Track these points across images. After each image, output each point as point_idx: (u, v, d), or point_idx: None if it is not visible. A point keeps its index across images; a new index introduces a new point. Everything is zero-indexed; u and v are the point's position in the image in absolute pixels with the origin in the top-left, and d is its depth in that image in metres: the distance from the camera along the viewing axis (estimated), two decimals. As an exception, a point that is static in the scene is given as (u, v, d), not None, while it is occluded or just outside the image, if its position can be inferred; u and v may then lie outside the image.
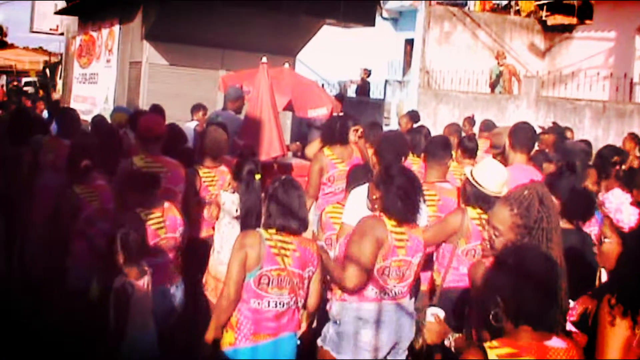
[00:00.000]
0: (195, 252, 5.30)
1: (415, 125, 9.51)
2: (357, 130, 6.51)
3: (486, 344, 2.48)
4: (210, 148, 5.85)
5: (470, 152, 6.35)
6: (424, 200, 4.30)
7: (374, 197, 4.05)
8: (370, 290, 3.95)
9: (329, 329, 4.11)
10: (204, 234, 5.60)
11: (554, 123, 10.26)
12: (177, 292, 4.73)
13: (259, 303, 3.79)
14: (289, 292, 3.83)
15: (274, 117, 7.87)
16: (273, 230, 3.83)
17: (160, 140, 5.54)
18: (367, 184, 4.43)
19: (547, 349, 2.49)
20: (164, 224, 4.62)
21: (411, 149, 6.11)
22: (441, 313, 3.25)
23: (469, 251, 4.42)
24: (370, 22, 13.62)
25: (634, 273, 2.70)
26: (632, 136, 9.50)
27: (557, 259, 2.88)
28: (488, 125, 9.46)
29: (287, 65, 10.84)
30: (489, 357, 2.43)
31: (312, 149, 7.16)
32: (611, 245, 3.08)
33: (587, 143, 8.38)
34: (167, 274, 4.66)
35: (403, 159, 5.31)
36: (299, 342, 4.01)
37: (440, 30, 16.21)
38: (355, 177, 4.95)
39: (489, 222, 3.22)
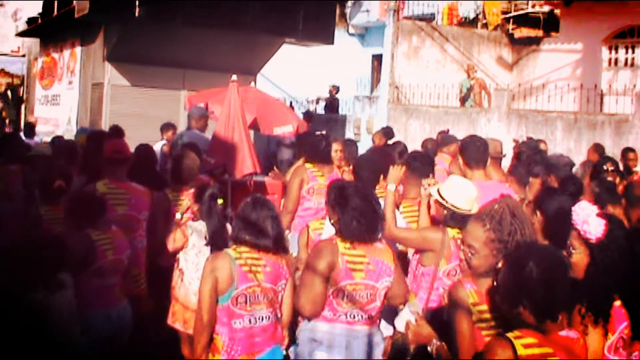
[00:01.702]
0: (162, 278, 5.27)
1: (390, 142, 9.31)
2: (337, 152, 6.68)
3: (510, 335, 2.50)
4: (183, 173, 5.83)
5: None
6: (382, 219, 4.18)
7: (331, 220, 4.02)
8: (327, 312, 3.90)
9: (292, 350, 4.12)
10: (172, 259, 5.39)
11: (529, 138, 10.16)
12: (124, 314, 4.67)
13: (240, 322, 3.81)
14: (267, 307, 3.87)
15: (245, 135, 7.96)
16: (242, 248, 3.84)
17: (127, 164, 5.50)
18: None
19: (562, 339, 2.55)
20: (111, 246, 4.57)
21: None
22: (419, 308, 3.24)
23: (449, 272, 4.31)
24: (329, 40, 13.96)
25: (602, 283, 2.80)
26: (596, 147, 9.49)
27: None
28: (446, 140, 9.16)
29: (252, 84, 10.97)
30: (515, 347, 2.47)
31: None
32: (579, 256, 3.06)
33: (543, 153, 8.27)
34: (111, 297, 4.60)
35: (382, 176, 5.11)
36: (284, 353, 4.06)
37: (408, 45, 16.16)
38: None
39: (463, 241, 3.18)
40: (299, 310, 3.94)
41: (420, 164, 5.23)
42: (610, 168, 6.75)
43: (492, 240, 2.98)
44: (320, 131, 6.98)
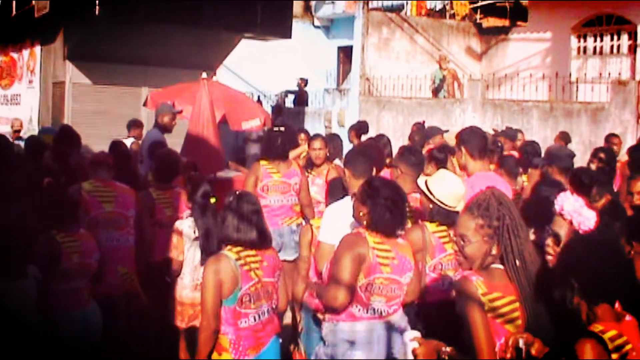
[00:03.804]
0: (151, 276, 5.41)
1: (364, 137, 9.12)
2: (316, 150, 6.90)
3: (595, 329, 2.50)
4: (164, 171, 5.94)
5: (441, 162, 5.96)
6: (409, 210, 4.24)
7: (361, 213, 3.95)
8: (355, 308, 3.89)
9: (320, 349, 4.10)
10: (159, 257, 5.53)
11: (507, 127, 10.07)
12: (91, 316, 4.71)
13: (245, 321, 3.88)
14: (267, 301, 3.96)
15: (214, 133, 8.17)
16: (237, 248, 3.88)
17: (109, 167, 5.61)
18: (343, 200, 4.48)
19: (629, 324, 2.58)
20: (78, 249, 4.61)
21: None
22: (417, 333, 3.21)
23: (435, 266, 4.32)
24: (287, 35, 14.46)
25: (593, 273, 2.69)
26: (562, 135, 9.57)
27: (531, 254, 2.98)
28: (432, 131, 9.05)
29: (214, 78, 11.14)
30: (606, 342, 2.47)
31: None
32: None
33: (536, 144, 8.18)
34: (77, 299, 4.64)
35: (374, 170, 4.94)
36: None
37: (378, 37, 15.97)
38: (332, 192, 4.89)
39: (455, 234, 3.23)
40: (327, 303, 3.91)
41: (416, 159, 5.14)
42: (601, 156, 6.67)
43: (482, 227, 2.97)
44: (279, 126, 7.03)
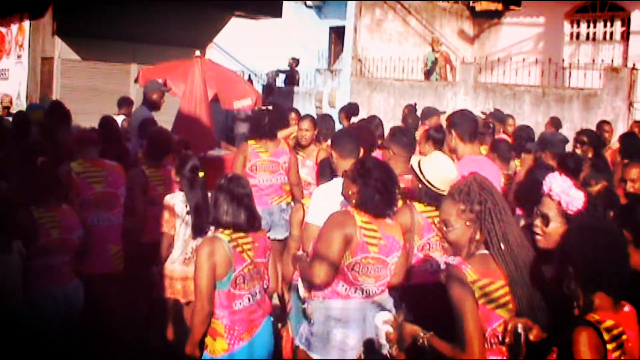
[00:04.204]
0: (145, 252, 5.37)
1: (354, 119, 9.08)
2: (303, 130, 6.84)
3: (591, 319, 2.48)
4: (156, 148, 5.91)
5: (438, 143, 5.93)
6: (399, 192, 4.22)
7: (350, 192, 3.95)
8: (341, 287, 3.88)
9: (304, 328, 4.09)
10: (150, 235, 5.47)
11: (495, 109, 10.05)
12: (73, 293, 4.68)
13: (240, 303, 3.90)
14: (259, 282, 3.99)
15: (206, 112, 8.16)
16: (229, 230, 3.89)
17: (97, 144, 5.57)
18: (332, 182, 4.45)
19: (628, 315, 2.57)
20: (57, 224, 4.55)
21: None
22: (389, 315, 3.25)
23: (423, 246, 4.32)
24: (277, 13, 14.55)
25: (590, 260, 2.62)
26: (552, 120, 9.55)
27: (517, 238, 2.95)
28: (428, 112, 9.05)
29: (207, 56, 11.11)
30: (601, 332, 2.45)
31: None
32: (556, 227, 3.09)
33: (530, 129, 8.17)
34: (59, 276, 4.59)
35: (362, 151, 4.95)
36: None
37: (371, 18, 15.85)
38: (322, 173, 4.90)
39: (439, 220, 3.22)
40: (310, 280, 3.92)
41: (407, 140, 5.10)
42: (583, 139, 6.67)
43: (463, 211, 2.98)
44: (267, 106, 6.97)
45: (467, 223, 2.97)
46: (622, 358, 2.49)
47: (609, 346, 2.45)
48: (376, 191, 3.83)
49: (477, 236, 2.95)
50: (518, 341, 2.75)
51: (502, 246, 2.90)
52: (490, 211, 2.95)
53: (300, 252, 4.35)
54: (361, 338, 3.89)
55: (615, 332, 2.48)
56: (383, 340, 3.23)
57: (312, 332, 3.98)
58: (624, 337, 2.50)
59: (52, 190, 4.61)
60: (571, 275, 2.55)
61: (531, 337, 2.73)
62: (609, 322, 2.48)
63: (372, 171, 3.87)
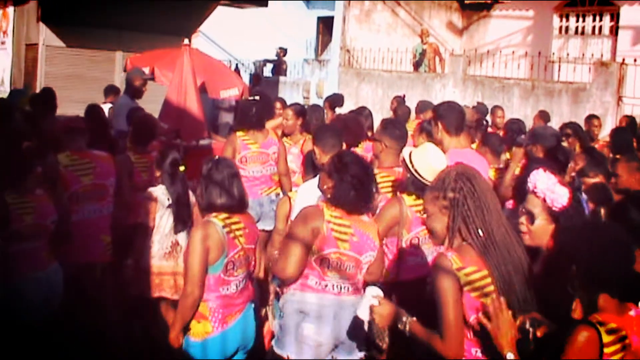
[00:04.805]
0: (130, 238, 5.27)
1: (338, 110, 8.98)
2: (287, 120, 6.81)
3: (594, 319, 2.46)
4: (141, 135, 5.90)
5: (432, 136, 5.85)
6: (377, 190, 4.18)
7: (326, 186, 3.91)
8: (311, 280, 3.82)
9: (276, 324, 4.07)
10: (133, 220, 5.39)
11: (479, 102, 10.03)
12: (53, 277, 4.65)
13: (227, 289, 3.89)
14: (247, 268, 4.00)
15: (197, 100, 8.09)
16: (222, 215, 3.87)
17: (84, 133, 5.48)
18: (315, 179, 4.37)
19: (633, 319, 2.53)
20: (31, 210, 4.48)
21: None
22: (380, 291, 3.22)
23: (412, 240, 4.32)
24: (263, 3, 14.54)
25: (593, 261, 2.58)
26: (541, 114, 9.53)
27: (501, 227, 2.92)
28: (425, 106, 8.98)
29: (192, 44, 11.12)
30: (601, 334, 2.43)
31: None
32: (542, 224, 3.14)
33: (521, 122, 8.14)
34: (36, 260, 4.55)
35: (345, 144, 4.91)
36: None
37: (360, 8, 15.76)
38: (307, 165, 4.86)
39: (422, 209, 3.25)
40: (277, 274, 3.93)
41: (399, 132, 5.02)
42: (568, 132, 6.64)
43: (437, 197, 3.00)
44: (254, 96, 6.85)
45: (443, 210, 2.97)
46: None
47: (610, 349, 2.43)
48: (352, 187, 3.76)
49: (454, 224, 2.93)
50: (526, 338, 2.71)
51: (480, 233, 2.87)
52: (465, 198, 2.92)
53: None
54: (332, 336, 3.82)
55: (618, 334, 2.46)
56: (365, 316, 3.21)
57: (281, 326, 3.93)
58: (627, 341, 2.48)
59: (25, 175, 4.53)
60: (575, 275, 2.52)
61: (539, 334, 2.69)
62: (611, 325, 2.46)
63: (349, 166, 3.81)
